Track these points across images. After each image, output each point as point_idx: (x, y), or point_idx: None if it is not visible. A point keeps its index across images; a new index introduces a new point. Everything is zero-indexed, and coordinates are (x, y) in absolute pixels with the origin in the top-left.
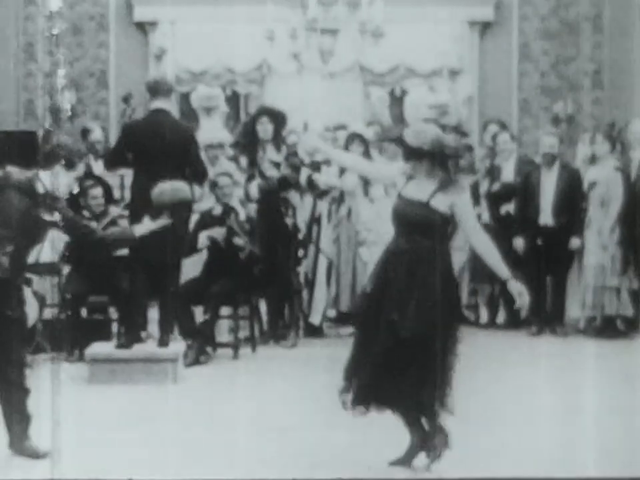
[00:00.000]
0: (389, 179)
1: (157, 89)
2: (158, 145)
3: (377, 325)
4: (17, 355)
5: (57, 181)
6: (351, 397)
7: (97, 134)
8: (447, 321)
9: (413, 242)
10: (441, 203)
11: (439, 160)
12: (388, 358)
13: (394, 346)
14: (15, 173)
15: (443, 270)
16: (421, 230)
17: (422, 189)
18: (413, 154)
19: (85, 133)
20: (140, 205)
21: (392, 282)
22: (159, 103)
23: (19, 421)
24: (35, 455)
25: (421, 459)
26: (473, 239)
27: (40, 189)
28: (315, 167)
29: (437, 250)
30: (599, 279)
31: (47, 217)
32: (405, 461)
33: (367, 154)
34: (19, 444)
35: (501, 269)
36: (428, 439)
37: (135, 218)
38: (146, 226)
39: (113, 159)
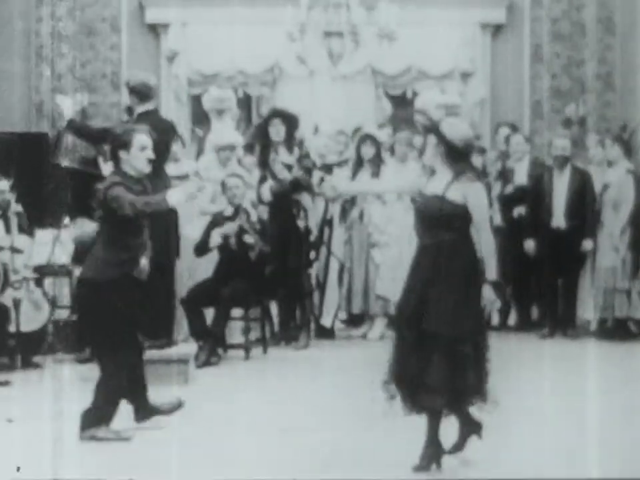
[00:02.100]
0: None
1: (146, 93)
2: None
3: (410, 323)
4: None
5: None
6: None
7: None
8: (477, 311)
9: (435, 236)
10: (456, 194)
11: (453, 154)
12: (423, 354)
13: (426, 341)
14: (121, 179)
15: (467, 261)
16: (440, 223)
17: (438, 182)
18: (437, 137)
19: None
20: None
21: (419, 278)
22: (148, 106)
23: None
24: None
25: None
26: (480, 230)
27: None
28: (327, 169)
29: (459, 242)
30: (610, 282)
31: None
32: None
33: (378, 155)
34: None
35: (491, 268)
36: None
37: None
38: (179, 192)
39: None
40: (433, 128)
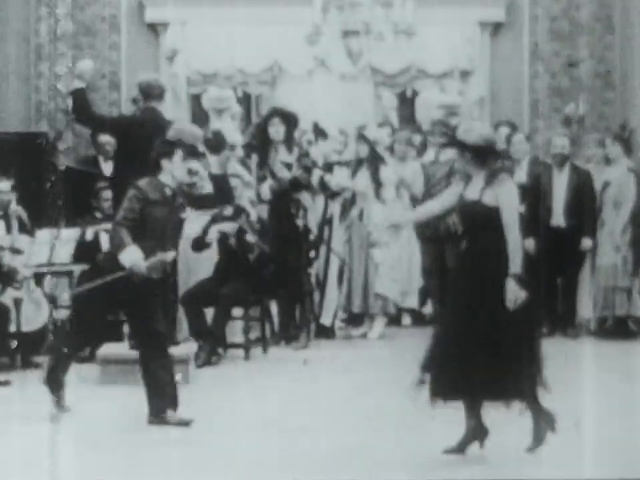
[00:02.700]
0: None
1: (148, 92)
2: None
3: (456, 319)
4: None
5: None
6: (429, 389)
7: (107, 136)
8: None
9: (476, 239)
10: (490, 198)
11: (480, 155)
12: (478, 349)
13: (479, 337)
14: (146, 189)
15: (503, 259)
16: (481, 226)
17: (474, 188)
18: (458, 146)
19: (95, 134)
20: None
21: (463, 279)
22: (150, 105)
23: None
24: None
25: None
26: (508, 230)
27: (168, 192)
28: (327, 168)
29: (498, 243)
30: (610, 280)
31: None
32: (459, 449)
33: (373, 154)
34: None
35: (515, 263)
36: (482, 430)
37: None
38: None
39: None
40: (453, 140)
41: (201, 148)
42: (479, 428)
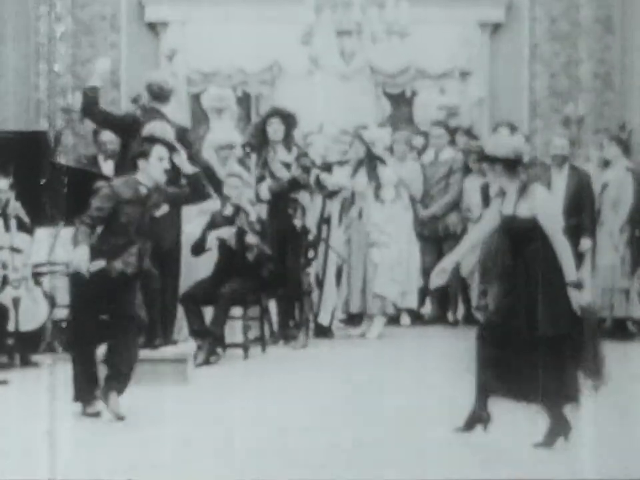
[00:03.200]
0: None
1: (156, 93)
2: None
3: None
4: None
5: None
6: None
7: (107, 134)
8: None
9: (522, 250)
10: (524, 210)
11: (511, 167)
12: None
13: (529, 344)
14: (119, 186)
15: (551, 266)
16: (522, 238)
17: (509, 202)
18: (489, 160)
19: (96, 133)
20: None
21: (510, 287)
22: (155, 105)
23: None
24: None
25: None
26: (553, 238)
27: (143, 191)
28: (327, 167)
29: (539, 252)
30: (608, 281)
31: (157, 212)
32: (547, 443)
33: (368, 154)
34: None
35: (570, 270)
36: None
37: None
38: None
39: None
40: (483, 155)
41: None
42: (563, 423)
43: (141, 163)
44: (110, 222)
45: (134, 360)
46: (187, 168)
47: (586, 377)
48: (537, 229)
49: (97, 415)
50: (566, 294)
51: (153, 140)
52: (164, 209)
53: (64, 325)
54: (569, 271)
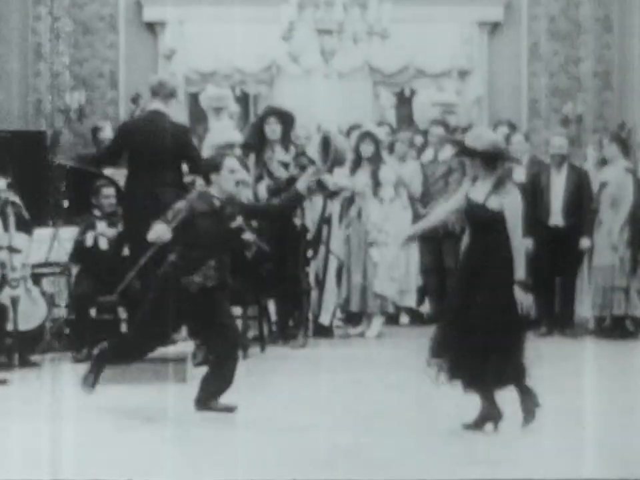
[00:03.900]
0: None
1: (158, 90)
2: (152, 145)
3: (458, 311)
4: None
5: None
6: (445, 374)
7: (107, 132)
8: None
9: (481, 238)
10: (494, 203)
11: (490, 160)
12: (471, 340)
13: (474, 329)
14: (195, 200)
15: (503, 261)
16: (485, 227)
17: (480, 191)
18: (468, 153)
19: (96, 131)
20: (135, 205)
21: (468, 274)
22: (156, 105)
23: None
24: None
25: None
26: (511, 235)
27: (217, 203)
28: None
29: (497, 244)
30: (607, 280)
31: (233, 224)
32: (477, 425)
33: (377, 153)
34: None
35: (519, 269)
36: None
37: (130, 219)
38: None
39: (104, 158)
40: (463, 147)
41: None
42: (493, 410)
43: (213, 176)
44: (187, 236)
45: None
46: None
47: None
48: (500, 223)
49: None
50: (511, 290)
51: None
52: (239, 220)
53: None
54: (520, 269)
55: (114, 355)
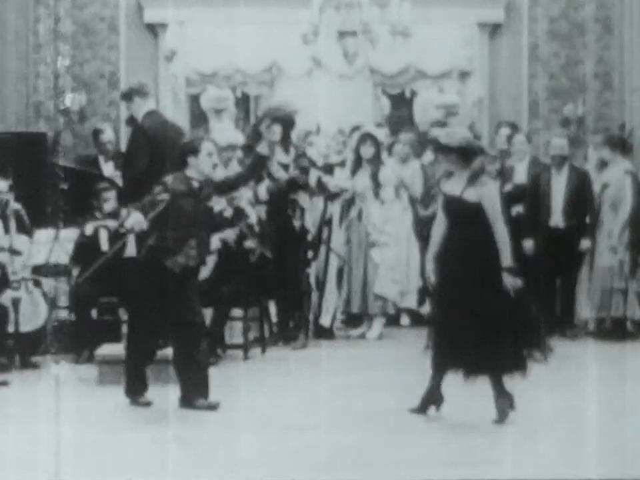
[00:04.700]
0: None
1: (143, 90)
2: (164, 144)
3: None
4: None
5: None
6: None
7: (108, 134)
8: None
9: (459, 230)
10: (471, 195)
11: (465, 156)
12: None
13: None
14: (172, 182)
15: (489, 249)
16: (463, 219)
17: (456, 184)
18: (443, 150)
19: (96, 133)
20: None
21: (449, 266)
22: (150, 104)
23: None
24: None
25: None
26: (493, 225)
27: (195, 185)
28: (328, 169)
29: (480, 234)
30: (606, 281)
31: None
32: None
33: (377, 155)
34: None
35: (505, 257)
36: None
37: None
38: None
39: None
40: (439, 145)
41: None
42: (436, 393)
43: (191, 159)
44: (167, 218)
45: (205, 357)
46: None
47: (532, 352)
48: (478, 215)
49: (148, 404)
50: (499, 276)
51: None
52: (217, 200)
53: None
54: (506, 256)
55: (132, 358)
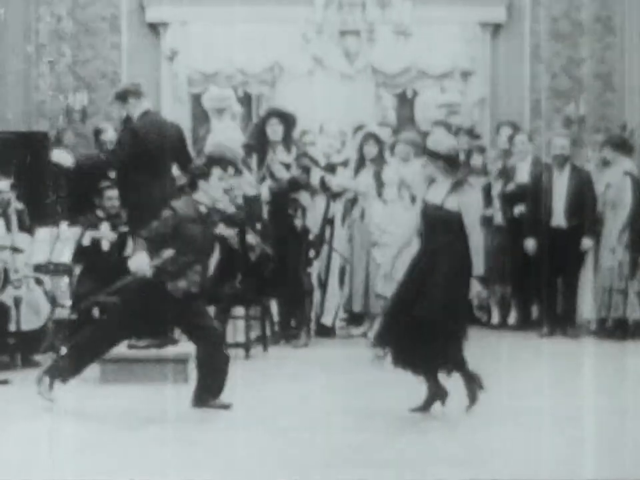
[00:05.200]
0: None
1: (137, 91)
2: (162, 146)
3: (405, 304)
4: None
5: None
6: (390, 359)
7: (109, 134)
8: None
9: (435, 238)
10: (452, 204)
11: (451, 164)
12: (415, 330)
13: (419, 321)
14: (180, 207)
15: (459, 259)
16: (440, 228)
17: (438, 192)
18: (432, 156)
19: (98, 133)
20: (141, 203)
21: (418, 271)
22: (145, 104)
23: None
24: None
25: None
26: (471, 233)
27: (203, 210)
28: (330, 168)
29: (454, 243)
30: (607, 281)
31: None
32: (424, 409)
33: (380, 154)
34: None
35: (477, 266)
36: (441, 391)
37: (135, 219)
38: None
39: (117, 163)
40: (427, 150)
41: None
42: (439, 390)
43: (202, 183)
44: (172, 241)
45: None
46: (248, 190)
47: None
48: (456, 224)
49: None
50: (461, 284)
51: (216, 160)
52: (222, 229)
53: None
54: (478, 264)
55: (69, 356)
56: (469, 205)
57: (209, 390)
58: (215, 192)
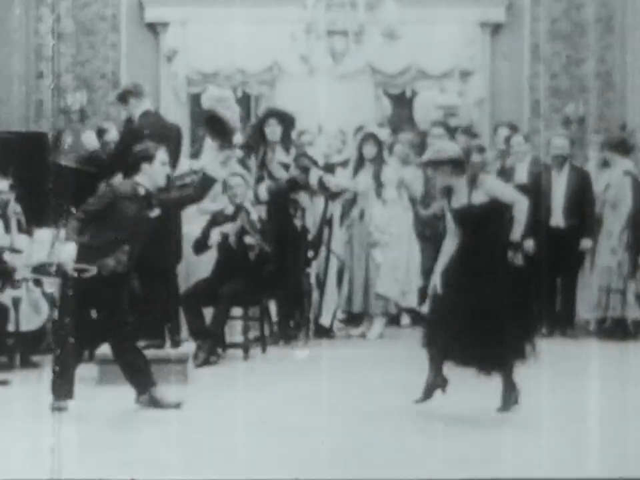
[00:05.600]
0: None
1: (137, 91)
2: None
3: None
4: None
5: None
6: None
7: (112, 134)
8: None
9: (469, 238)
10: (479, 197)
11: (459, 165)
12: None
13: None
14: (119, 184)
15: (498, 256)
16: (475, 226)
17: (460, 195)
18: (436, 165)
19: (101, 132)
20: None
21: (462, 270)
22: (146, 104)
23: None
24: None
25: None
26: (515, 205)
27: (141, 192)
28: (329, 168)
29: (490, 239)
30: (605, 281)
31: (151, 213)
32: (425, 397)
33: (380, 155)
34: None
35: (516, 231)
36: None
37: None
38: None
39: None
40: (430, 162)
41: None
42: (439, 378)
43: (144, 166)
44: (106, 218)
45: (141, 354)
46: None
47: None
48: (493, 212)
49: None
50: (502, 277)
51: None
52: (156, 212)
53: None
54: (517, 230)
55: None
56: (494, 186)
57: (142, 385)
58: (157, 176)
